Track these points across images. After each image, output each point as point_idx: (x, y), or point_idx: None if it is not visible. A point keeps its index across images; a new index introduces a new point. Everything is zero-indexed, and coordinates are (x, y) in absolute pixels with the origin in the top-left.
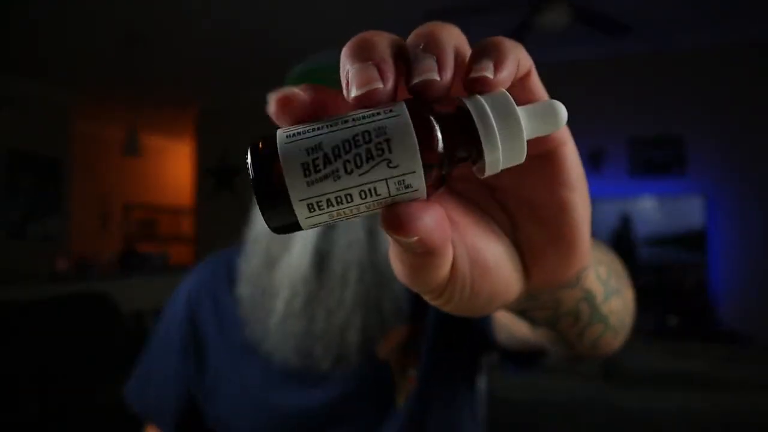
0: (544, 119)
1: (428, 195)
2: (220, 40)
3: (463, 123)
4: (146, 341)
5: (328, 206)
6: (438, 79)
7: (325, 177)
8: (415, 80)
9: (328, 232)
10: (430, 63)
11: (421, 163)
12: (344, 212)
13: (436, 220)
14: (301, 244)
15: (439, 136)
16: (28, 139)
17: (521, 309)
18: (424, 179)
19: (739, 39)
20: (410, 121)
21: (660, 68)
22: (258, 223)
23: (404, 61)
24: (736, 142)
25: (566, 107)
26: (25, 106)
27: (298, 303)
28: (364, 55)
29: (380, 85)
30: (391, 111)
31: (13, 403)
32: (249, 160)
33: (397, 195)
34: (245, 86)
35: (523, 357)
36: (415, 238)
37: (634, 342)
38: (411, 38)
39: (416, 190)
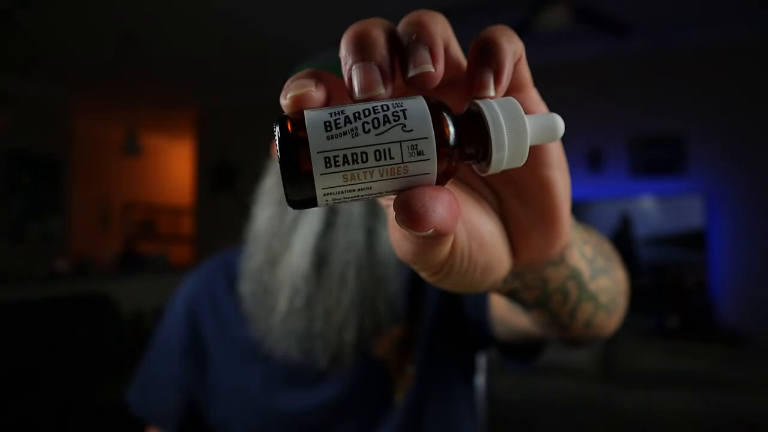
0: (546, 130)
1: (439, 182)
2: (220, 40)
3: (476, 122)
4: (146, 342)
5: (344, 163)
6: (433, 70)
7: (345, 133)
8: (412, 72)
9: (327, 233)
10: (425, 55)
11: (433, 131)
12: (358, 176)
13: (448, 206)
14: (302, 244)
15: (451, 124)
16: (28, 139)
17: (510, 290)
18: (435, 148)
19: (739, 39)
20: (425, 103)
21: (660, 68)
22: (259, 221)
23: (399, 50)
24: (736, 142)
25: (566, 107)
26: (24, 105)
27: (299, 301)
28: (365, 53)
29: (382, 90)
30: (409, 97)
31: (13, 403)
32: (276, 129)
33: (409, 161)
34: (245, 86)
35: (523, 350)
36: (431, 231)
37: (634, 342)
38: (403, 26)
39: (428, 160)
